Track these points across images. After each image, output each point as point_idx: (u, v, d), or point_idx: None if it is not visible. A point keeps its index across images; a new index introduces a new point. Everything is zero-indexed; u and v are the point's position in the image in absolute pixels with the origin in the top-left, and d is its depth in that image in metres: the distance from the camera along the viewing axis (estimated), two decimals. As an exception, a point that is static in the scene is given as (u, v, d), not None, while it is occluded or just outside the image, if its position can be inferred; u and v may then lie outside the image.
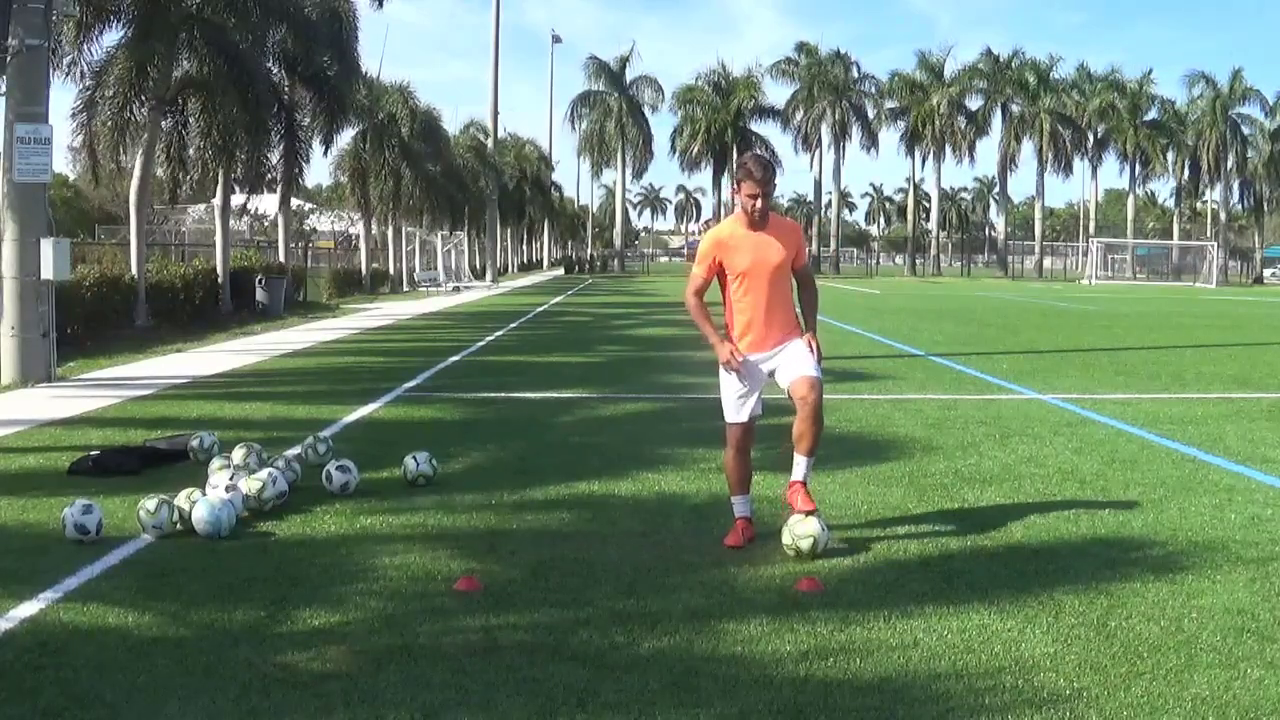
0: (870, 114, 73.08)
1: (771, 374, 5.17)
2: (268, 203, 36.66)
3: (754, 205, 4.93)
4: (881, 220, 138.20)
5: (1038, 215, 78.52)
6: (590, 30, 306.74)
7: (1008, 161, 73.51)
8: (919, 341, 17.19)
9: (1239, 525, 5.61)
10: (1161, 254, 79.83)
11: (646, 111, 71.78)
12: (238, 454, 6.34)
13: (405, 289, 37.92)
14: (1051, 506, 5.98)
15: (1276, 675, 3.63)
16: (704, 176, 78.50)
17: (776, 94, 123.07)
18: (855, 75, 72.79)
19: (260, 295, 22.61)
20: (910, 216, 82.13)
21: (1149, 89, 72.06)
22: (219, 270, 21.45)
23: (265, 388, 11.07)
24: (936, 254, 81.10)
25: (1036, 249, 78.07)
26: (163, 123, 19.39)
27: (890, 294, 40.46)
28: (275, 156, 24.08)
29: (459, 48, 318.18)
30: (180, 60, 19.12)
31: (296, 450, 6.75)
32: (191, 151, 20.35)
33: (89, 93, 17.96)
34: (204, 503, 5.22)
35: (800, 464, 5.14)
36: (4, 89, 10.91)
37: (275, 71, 23.11)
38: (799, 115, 71.81)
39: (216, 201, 23.05)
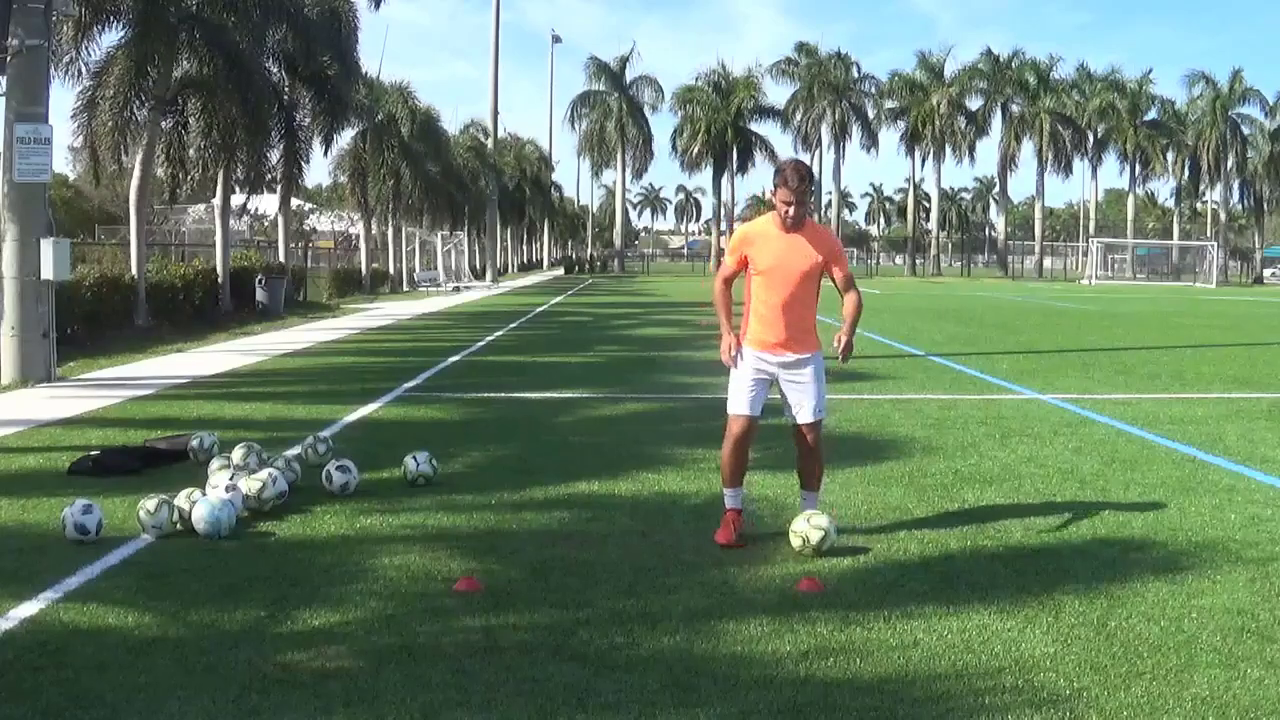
0: (870, 114, 73.06)
1: (776, 382, 5.20)
2: (268, 203, 36.69)
3: (787, 212, 4.97)
4: (881, 220, 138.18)
5: (1038, 215, 78.50)
6: (590, 30, 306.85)
7: (1008, 161, 73.50)
8: (919, 341, 17.19)
9: (1239, 525, 5.61)
10: (1161, 254, 79.84)
11: (646, 111, 71.86)
12: (238, 454, 6.34)
13: (405, 289, 37.92)
14: (1051, 506, 5.98)
15: (1276, 675, 3.63)
16: (704, 176, 78.44)
17: (776, 94, 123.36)
18: (855, 75, 72.78)
19: (260, 295, 22.61)
20: (910, 216, 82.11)
21: (1149, 89, 72.11)
22: (219, 270, 21.44)
23: (265, 388, 11.07)
24: (936, 254, 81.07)
25: (1036, 249, 78.06)
26: (163, 123, 19.39)
27: (890, 294, 40.45)
28: (275, 156, 24.09)
29: (459, 47, 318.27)
30: (180, 60, 19.12)
31: (296, 450, 6.75)
32: (191, 152, 20.34)
33: (89, 93, 17.96)
34: (204, 503, 5.22)
35: (807, 500, 5.29)
36: (4, 89, 10.90)
37: (275, 71, 23.11)
38: (799, 115, 71.77)
39: (216, 201, 23.05)
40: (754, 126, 72.58)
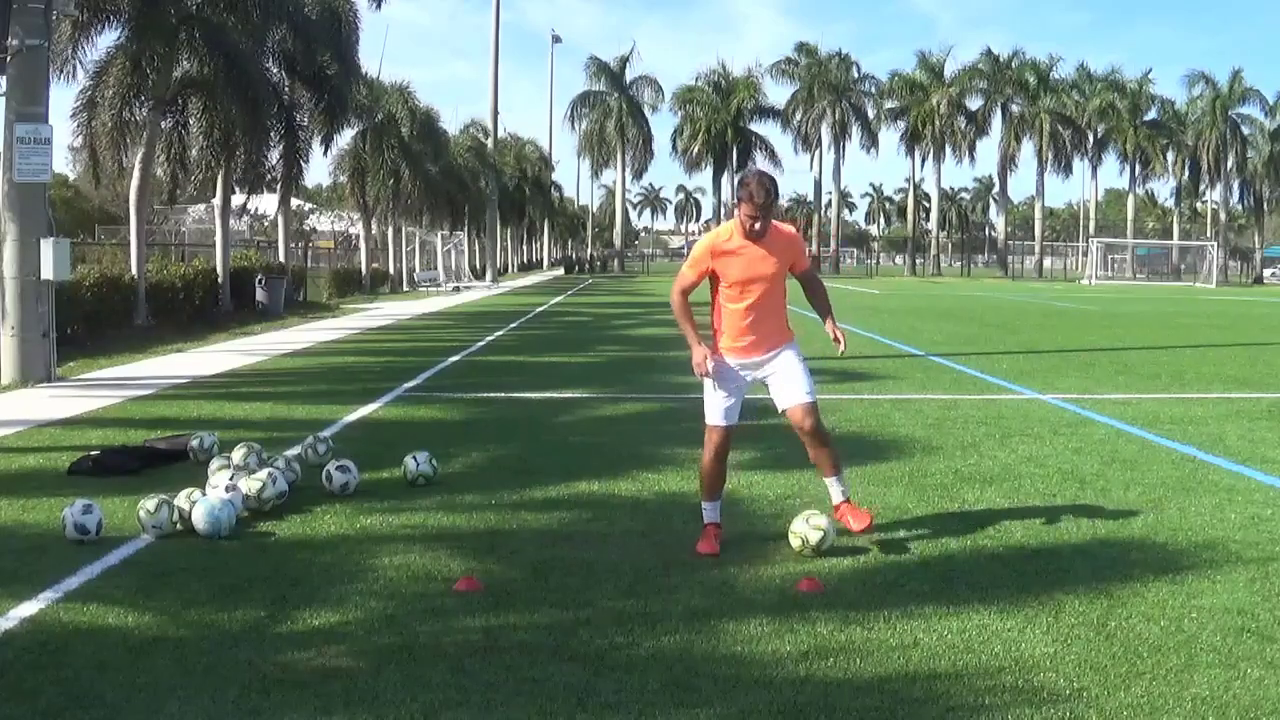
0: (870, 114, 73.06)
1: (759, 381, 5.19)
2: (268, 203, 36.67)
3: (751, 225, 4.94)
4: (881, 220, 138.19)
5: (1038, 215, 78.51)
6: (590, 30, 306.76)
7: (1008, 161, 73.53)
8: (919, 341, 17.19)
9: (1239, 525, 5.61)
10: (1161, 254, 79.84)
11: (646, 111, 71.84)
12: (238, 454, 6.34)
13: (405, 289, 37.92)
14: (1051, 506, 5.98)
15: (1276, 675, 3.63)
16: (704, 176, 78.55)
17: (777, 94, 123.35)
18: (855, 75, 72.78)
19: (260, 295, 22.61)
20: (910, 216, 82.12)
21: (1149, 89, 72.13)
22: (219, 270, 21.45)
23: (265, 388, 11.07)
24: (936, 254, 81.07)
25: (1036, 249, 78.07)
26: (162, 123, 19.39)
27: (890, 294, 40.44)
28: (275, 156, 24.08)
29: (459, 47, 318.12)
30: (180, 60, 19.12)
31: (296, 450, 6.75)
32: (192, 152, 20.36)
33: (88, 93, 17.96)
34: (204, 503, 5.22)
35: (834, 486, 5.22)
36: (4, 89, 10.90)
37: (275, 71, 23.11)
38: (799, 115, 71.78)
39: (216, 201, 23.06)
40: (754, 126, 72.68)
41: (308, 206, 51.21)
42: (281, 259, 26.66)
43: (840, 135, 71.46)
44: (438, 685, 3.47)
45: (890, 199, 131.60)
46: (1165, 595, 4.44)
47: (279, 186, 25.98)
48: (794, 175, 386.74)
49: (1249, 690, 3.51)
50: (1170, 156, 73.22)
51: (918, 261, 78.27)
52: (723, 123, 69.91)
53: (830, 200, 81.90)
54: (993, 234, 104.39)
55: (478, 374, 12.55)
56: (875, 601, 4.32)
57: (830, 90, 70.26)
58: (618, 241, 79.08)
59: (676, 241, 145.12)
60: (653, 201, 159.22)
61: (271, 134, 22.29)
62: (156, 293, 18.16)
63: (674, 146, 72.94)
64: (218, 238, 22.31)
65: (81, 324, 14.67)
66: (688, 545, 5.11)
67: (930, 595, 4.41)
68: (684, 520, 5.60)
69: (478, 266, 55.04)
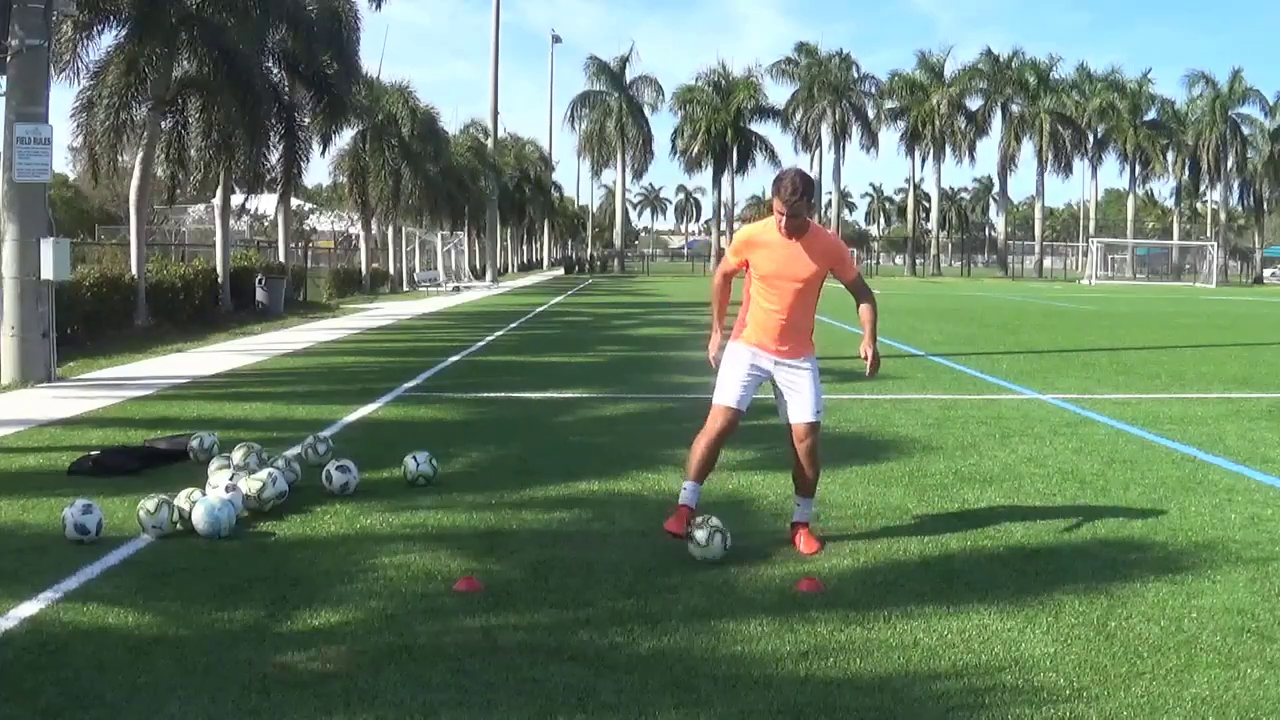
0: (870, 114, 73.04)
1: (770, 380, 5.18)
2: (267, 203, 36.64)
3: (781, 222, 4.94)
4: (881, 220, 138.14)
5: (1038, 215, 78.51)
6: (590, 30, 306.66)
7: (1008, 161, 73.52)
8: (919, 341, 17.18)
9: (1239, 525, 5.61)
10: (1161, 254, 79.84)
11: (646, 111, 71.81)
12: (238, 454, 6.34)
13: (405, 289, 37.91)
14: (1051, 506, 5.98)
15: (1276, 675, 3.63)
16: (704, 176, 78.39)
17: (777, 94, 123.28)
18: (855, 75, 72.77)
19: (260, 295, 22.61)
20: (910, 216, 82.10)
21: (1149, 89, 72.14)
22: (219, 270, 21.44)
23: (265, 388, 11.07)
24: (936, 254, 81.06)
25: (1036, 249, 78.06)
26: (162, 123, 19.38)
27: (890, 294, 40.42)
28: (275, 156, 24.06)
29: (459, 47, 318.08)
30: (180, 60, 19.11)
31: (296, 450, 6.75)
32: (192, 152, 20.34)
33: (88, 93, 17.95)
34: (204, 503, 5.22)
35: (801, 505, 5.22)
36: (4, 89, 10.90)
37: (275, 71, 23.09)
38: (799, 115, 71.75)
39: (216, 201, 23.05)
40: (754, 126, 72.59)
41: (308, 206, 51.19)
42: (281, 259, 26.65)
43: (840, 135, 71.45)
44: (438, 685, 3.47)
45: (890, 199, 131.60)
46: (1165, 595, 4.44)
47: (279, 186, 25.95)
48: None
49: (1249, 690, 3.51)
50: (1170, 156, 73.22)
51: (918, 261, 78.26)
52: (723, 123, 69.88)
53: (830, 200, 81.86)
54: (993, 234, 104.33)
55: (478, 374, 12.55)
56: (875, 601, 4.32)
57: (830, 90, 70.25)
58: (618, 241, 79.06)
59: (676, 241, 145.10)
60: (653, 201, 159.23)
61: (271, 134, 22.26)
62: (156, 293, 18.15)
63: (674, 146, 72.92)
64: (218, 238, 22.30)
65: (81, 324, 14.67)
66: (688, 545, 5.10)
67: (930, 595, 4.41)
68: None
69: (478, 266, 55.04)
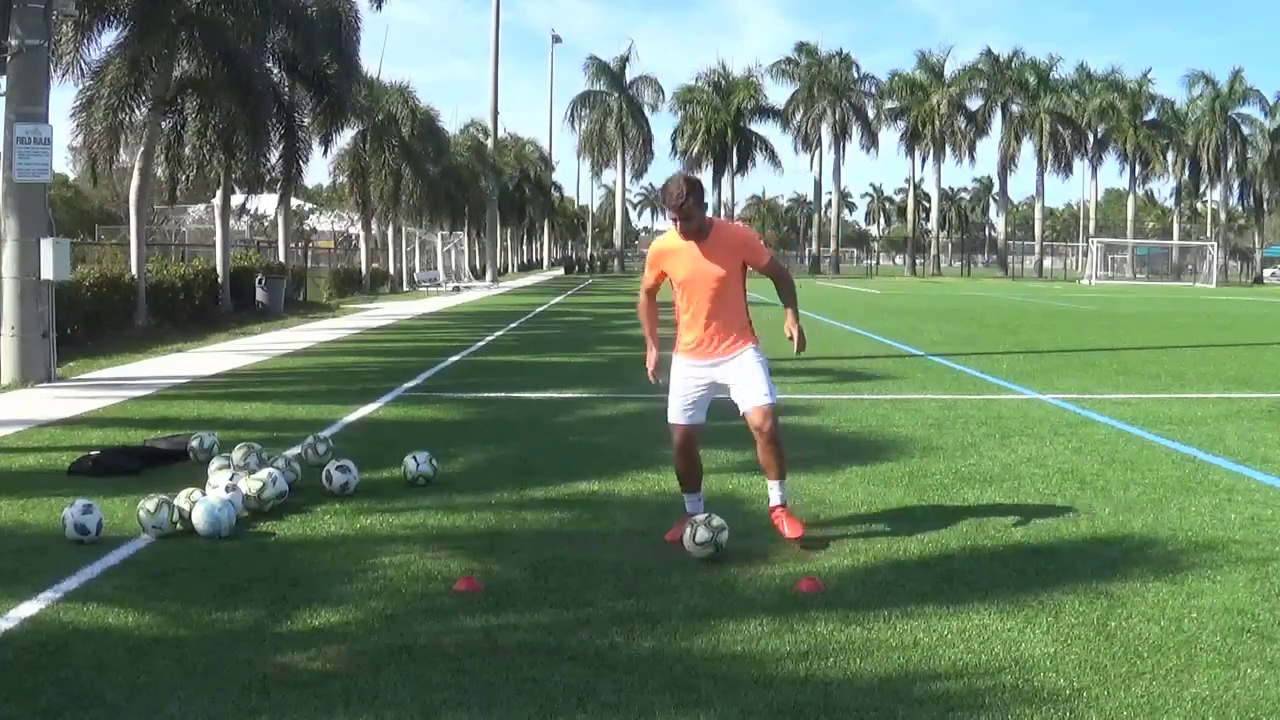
0: (870, 114, 73.13)
1: (720, 384, 5.20)
2: (268, 203, 36.65)
3: (676, 226, 5.01)
4: (881, 220, 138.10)
5: (1038, 215, 78.54)
6: (590, 30, 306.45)
7: (1008, 161, 73.56)
8: (919, 341, 17.18)
9: (1239, 525, 5.61)
10: (1161, 254, 79.87)
11: (646, 111, 71.92)
12: (238, 454, 6.34)
13: (405, 289, 37.93)
14: (1051, 506, 5.98)
15: (1276, 675, 3.63)
16: (704, 177, 78.45)
17: (777, 94, 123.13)
18: (855, 75, 72.83)
19: (260, 295, 22.61)
20: (910, 216, 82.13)
21: (1148, 89, 72.18)
22: (219, 270, 21.44)
23: (265, 388, 11.07)
24: (936, 254, 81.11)
25: (1036, 249, 78.10)
26: (162, 123, 19.38)
27: (890, 294, 40.46)
28: (275, 156, 24.07)
29: (459, 47, 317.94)
30: (180, 60, 19.11)
31: (296, 450, 6.75)
32: (190, 151, 20.34)
33: (88, 93, 17.95)
34: (204, 503, 5.22)
35: (774, 489, 5.20)
36: (4, 89, 10.90)
37: (275, 71, 23.09)
38: (799, 115, 71.83)
39: (216, 201, 23.06)
40: (754, 126, 72.73)
41: (308, 206, 51.19)
42: (281, 259, 26.66)
43: (840, 135, 71.52)
44: (438, 685, 3.47)
45: (890, 199, 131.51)
46: (1165, 595, 4.44)
47: (279, 186, 25.97)
48: (794, 175, 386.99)
49: (1249, 690, 3.51)
50: (1170, 156, 73.28)
51: (918, 261, 78.29)
52: (723, 123, 69.93)
53: (830, 200, 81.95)
54: (993, 234, 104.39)
55: (478, 374, 12.55)
56: (875, 601, 4.32)
57: (830, 90, 70.30)
58: (618, 241, 79.08)
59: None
60: (653, 201, 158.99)
61: (271, 134, 22.27)
62: (156, 293, 18.15)
63: (674, 146, 73.02)
64: (218, 238, 22.31)
65: (81, 324, 14.67)
66: (688, 545, 5.11)
67: (930, 595, 4.40)
68: (684, 520, 5.59)
69: (477, 266, 55.05)
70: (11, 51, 10.71)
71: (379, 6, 25.23)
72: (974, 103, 72.57)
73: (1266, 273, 77.02)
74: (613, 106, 70.13)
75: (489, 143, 51.25)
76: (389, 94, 34.26)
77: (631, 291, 41.24)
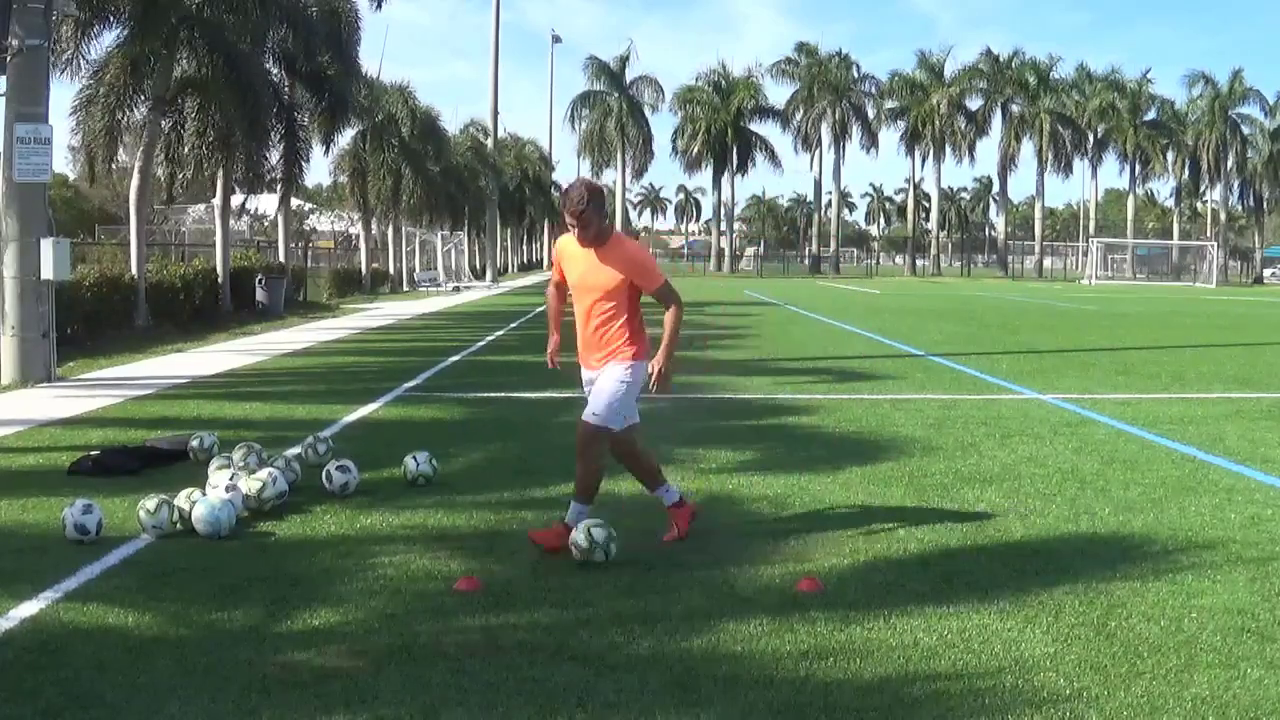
0: (870, 114, 73.12)
1: None
2: (268, 203, 36.64)
3: (573, 231, 5.02)
4: (881, 220, 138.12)
5: (1038, 215, 78.54)
6: (590, 30, 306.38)
7: (1008, 161, 73.56)
8: (919, 341, 17.18)
9: (1239, 525, 5.61)
10: (1161, 254, 79.88)
11: (646, 111, 71.85)
12: (238, 454, 6.34)
13: (405, 289, 37.92)
14: (1051, 506, 5.98)
15: (1276, 675, 3.63)
16: (704, 176, 78.48)
17: (776, 94, 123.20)
18: (855, 75, 72.83)
19: (260, 295, 22.61)
20: (910, 216, 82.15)
21: (1148, 89, 72.20)
22: (219, 270, 21.44)
23: (265, 388, 11.07)
24: (936, 254, 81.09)
25: (1036, 249, 78.11)
26: (162, 122, 19.38)
27: (890, 294, 40.46)
28: (275, 156, 24.07)
29: (459, 47, 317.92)
30: (179, 60, 19.11)
31: (296, 450, 6.75)
32: (190, 151, 20.33)
33: (88, 92, 17.95)
34: (204, 503, 5.22)
35: (573, 507, 5.06)
36: (4, 89, 10.90)
37: (275, 71, 23.10)
38: (799, 115, 71.83)
39: (216, 201, 23.04)
40: (754, 126, 72.74)
41: (308, 206, 51.17)
42: (281, 259, 26.65)
43: (840, 135, 71.51)
44: (438, 685, 3.47)
45: (890, 199, 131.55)
46: (1165, 595, 4.44)
47: (279, 186, 25.96)
48: (794, 175, 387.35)
49: (1249, 690, 3.51)
50: (1170, 156, 73.31)
51: (918, 261, 78.29)
52: (723, 123, 69.94)
53: (830, 200, 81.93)
54: (993, 234, 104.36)
55: (478, 374, 12.55)
56: (875, 601, 4.32)
57: (830, 90, 70.29)
58: (618, 241, 78.95)
59: (676, 241, 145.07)
60: (653, 201, 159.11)
61: (271, 134, 22.27)
62: (156, 293, 18.15)
63: (674, 146, 73.06)
64: (218, 238, 22.30)
65: (81, 324, 14.67)
66: (688, 545, 5.11)
67: (930, 595, 4.40)
68: (684, 520, 5.59)
69: (478, 266, 55.05)
70: (11, 52, 10.71)
71: (379, 6, 25.29)
72: (974, 103, 72.63)
73: (1266, 273, 77.02)
74: (613, 106, 70.11)
75: (489, 143, 51.23)
76: (389, 94, 34.24)
77: (631, 291, 41.19)
